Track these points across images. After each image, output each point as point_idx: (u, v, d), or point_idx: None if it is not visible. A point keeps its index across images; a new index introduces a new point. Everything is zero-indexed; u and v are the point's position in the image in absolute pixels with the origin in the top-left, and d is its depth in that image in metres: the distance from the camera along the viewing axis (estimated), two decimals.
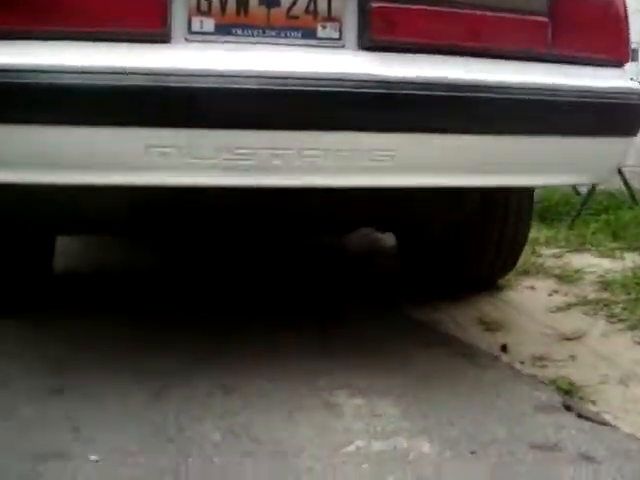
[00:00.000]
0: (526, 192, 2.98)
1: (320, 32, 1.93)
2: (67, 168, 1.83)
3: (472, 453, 1.81)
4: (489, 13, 1.98)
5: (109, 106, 1.78)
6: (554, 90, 1.99)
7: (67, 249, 3.54)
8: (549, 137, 2.01)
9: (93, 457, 1.74)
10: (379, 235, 4.12)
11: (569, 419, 2.01)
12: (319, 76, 1.85)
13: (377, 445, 1.84)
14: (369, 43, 1.92)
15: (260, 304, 3.04)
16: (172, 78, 1.78)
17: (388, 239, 4.07)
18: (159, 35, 1.83)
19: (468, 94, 1.92)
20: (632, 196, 5.01)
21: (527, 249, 3.45)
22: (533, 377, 2.30)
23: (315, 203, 2.28)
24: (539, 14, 2.02)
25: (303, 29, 1.92)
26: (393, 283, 3.44)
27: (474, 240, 2.99)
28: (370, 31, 1.91)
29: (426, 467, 1.74)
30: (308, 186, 1.93)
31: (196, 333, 2.61)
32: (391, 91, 1.87)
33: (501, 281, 3.29)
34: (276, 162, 1.85)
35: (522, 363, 2.42)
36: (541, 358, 2.45)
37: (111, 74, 1.76)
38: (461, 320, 2.86)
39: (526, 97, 1.96)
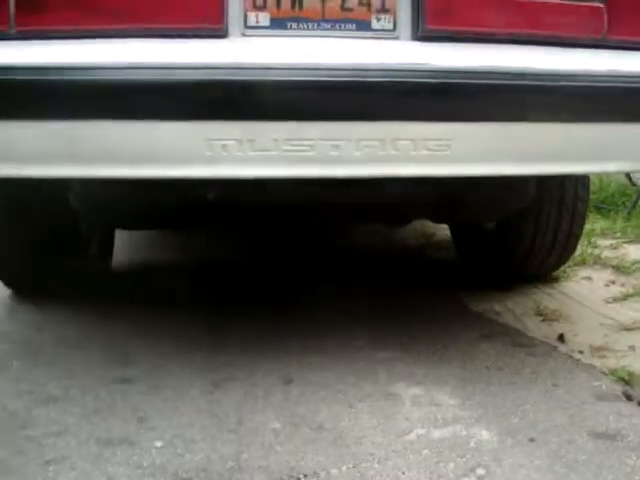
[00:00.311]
0: (582, 182, 2.96)
1: (374, 24, 1.94)
2: (129, 162, 1.87)
3: (531, 440, 1.81)
4: (544, 0, 1.97)
5: (170, 101, 1.81)
6: (611, 77, 1.97)
7: (127, 245, 3.62)
8: (607, 124, 2.00)
9: (158, 443, 1.78)
10: (430, 229, 4.13)
11: (630, 408, 2.01)
12: (375, 67, 1.86)
13: (437, 433, 1.85)
14: (423, 34, 1.93)
15: (317, 296, 3.05)
16: (230, 72, 1.81)
17: (439, 233, 4.08)
18: (217, 31, 1.86)
19: (523, 82, 1.91)
20: None
21: (583, 240, 3.43)
22: (592, 367, 2.29)
23: (371, 194, 2.29)
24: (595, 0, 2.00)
25: (357, 21, 1.93)
26: (448, 275, 3.44)
27: (530, 232, 2.97)
28: (424, 22, 1.91)
29: (486, 454, 1.75)
30: (366, 176, 1.95)
31: (257, 326, 2.63)
32: (446, 81, 1.88)
33: (557, 272, 3.26)
34: (334, 153, 1.87)
35: (581, 353, 2.40)
36: (600, 348, 2.44)
37: (171, 69, 1.80)
38: (518, 311, 2.85)
39: (583, 84, 1.95)
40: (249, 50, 1.88)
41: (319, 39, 1.93)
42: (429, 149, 1.92)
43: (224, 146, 1.84)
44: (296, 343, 2.46)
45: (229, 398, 2.05)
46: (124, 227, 3.04)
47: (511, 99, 1.93)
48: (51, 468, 1.67)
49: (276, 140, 1.85)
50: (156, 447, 1.77)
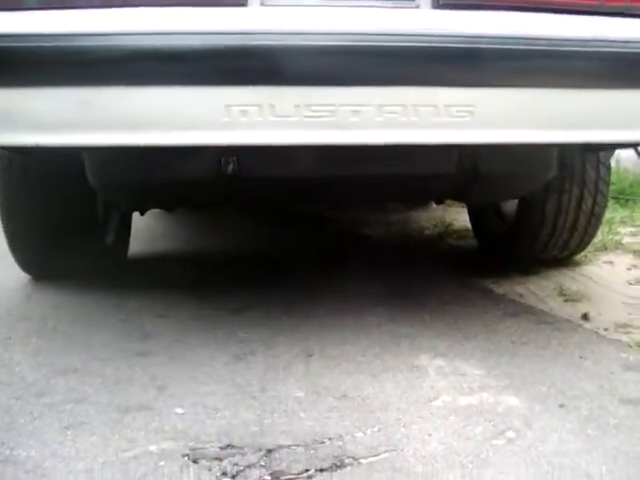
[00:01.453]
0: (603, 163, 2.92)
1: None
2: (148, 129, 1.85)
3: (561, 406, 1.78)
4: None
5: (189, 66, 1.79)
6: (632, 43, 1.94)
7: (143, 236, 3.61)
8: (629, 90, 1.97)
9: (179, 410, 1.75)
10: (448, 218, 4.10)
11: None
12: (395, 32, 1.84)
13: (463, 400, 1.82)
14: (443, 1, 1.90)
15: (336, 280, 3.02)
16: (250, 37, 1.79)
17: (457, 223, 4.05)
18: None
19: (544, 48, 1.88)
20: None
21: (604, 227, 3.40)
22: (618, 341, 2.25)
23: (392, 165, 2.26)
24: None
25: None
26: (468, 261, 3.41)
27: (552, 213, 2.94)
28: None
29: (515, 419, 1.71)
30: (387, 143, 1.92)
31: (275, 306, 2.61)
32: (467, 46, 1.85)
33: (579, 257, 3.23)
34: (355, 119, 1.85)
35: (606, 330, 2.36)
36: (625, 325, 2.40)
37: (191, 35, 1.78)
38: (541, 293, 2.81)
39: (603, 50, 1.92)
40: (270, 17, 1.85)
41: (339, 8, 1.90)
42: (451, 115, 1.89)
43: (244, 112, 1.82)
44: (316, 321, 2.44)
45: (251, 369, 2.02)
46: (139, 207, 3.01)
47: (532, 65, 1.90)
48: (70, 433, 1.64)
49: (297, 105, 1.83)
50: (176, 413, 1.74)
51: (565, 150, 2.65)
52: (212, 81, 1.80)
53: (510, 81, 1.90)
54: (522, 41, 1.88)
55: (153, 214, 3.58)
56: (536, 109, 1.94)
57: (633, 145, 3.02)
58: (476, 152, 2.27)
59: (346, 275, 3.07)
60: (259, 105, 1.82)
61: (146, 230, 3.77)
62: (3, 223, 2.79)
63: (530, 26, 1.91)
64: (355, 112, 1.85)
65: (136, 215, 3.25)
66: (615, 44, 1.93)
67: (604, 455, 1.54)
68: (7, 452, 1.55)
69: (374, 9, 1.92)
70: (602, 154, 2.89)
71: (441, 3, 1.91)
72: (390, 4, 1.94)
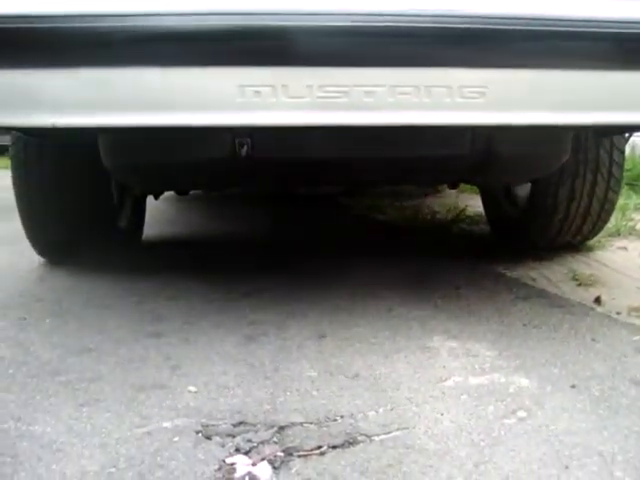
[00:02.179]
0: (617, 147, 2.91)
1: None
2: (162, 110, 1.85)
3: (573, 387, 1.78)
4: None
5: (203, 47, 1.79)
6: None
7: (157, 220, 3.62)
8: None
9: (192, 388, 1.77)
10: (461, 204, 4.10)
11: None
12: (408, 13, 1.83)
13: (475, 380, 1.82)
14: None
15: (348, 264, 3.03)
16: (264, 17, 1.78)
17: (470, 209, 4.05)
18: None
19: (555, 29, 1.87)
20: None
21: (617, 213, 3.39)
22: (631, 324, 2.25)
23: (405, 147, 2.26)
24: None
25: None
26: (481, 246, 3.41)
27: (565, 198, 2.94)
28: None
29: (527, 398, 1.71)
30: (400, 124, 1.92)
31: (287, 290, 2.63)
32: (480, 26, 1.84)
33: (592, 242, 3.23)
34: (368, 99, 1.85)
35: (618, 314, 2.36)
36: (638, 309, 2.39)
37: (205, 15, 1.78)
38: (554, 278, 2.81)
39: (616, 31, 1.91)
40: None
41: None
42: (463, 96, 1.89)
43: (257, 92, 1.82)
44: (327, 304, 2.45)
45: (263, 350, 2.03)
46: (152, 189, 3.02)
47: (543, 46, 1.89)
48: (85, 410, 1.66)
49: (310, 86, 1.83)
50: (190, 391, 1.75)
51: (579, 133, 2.65)
52: (226, 61, 1.80)
53: (521, 62, 1.89)
54: (533, 22, 1.87)
55: (166, 198, 3.59)
56: (548, 90, 1.93)
57: None
58: (490, 134, 2.26)
59: (358, 260, 3.08)
60: (272, 86, 1.82)
61: (159, 214, 3.78)
62: (19, 206, 2.81)
63: (542, 6, 1.90)
64: (368, 93, 1.84)
65: (150, 200, 3.27)
66: (628, 25, 1.92)
67: (615, 434, 1.54)
68: (23, 428, 1.57)
69: None
70: (616, 139, 2.88)
71: None
72: None
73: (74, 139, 2.37)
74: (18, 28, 1.75)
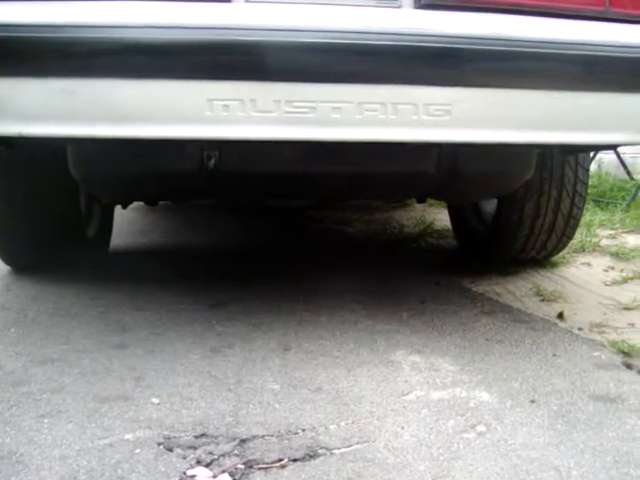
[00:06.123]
0: (582, 165, 2.96)
1: None
2: (131, 122, 1.86)
3: (532, 402, 1.81)
4: None
5: (172, 60, 1.81)
6: (611, 47, 1.97)
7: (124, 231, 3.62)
8: (606, 94, 2.00)
9: (155, 400, 1.77)
10: (428, 218, 4.13)
11: (631, 376, 2.00)
12: (377, 31, 1.86)
13: (436, 394, 1.84)
14: (425, 2, 1.92)
15: (314, 277, 3.05)
16: (233, 32, 1.80)
17: (437, 223, 4.08)
18: None
19: (522, 49, 1.91)
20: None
21: (582, 230, 3.44)
22: (592, 340, 2.29)
23: (371, 162, 2.28)
24: None
25: None
26: (447, 260, 3.44)
27: (530, 214, 2.97)
28: None
29: (486, 413, 1.74)
30: (366, 140, 1.94)
31: (253, 301, 2.63)
32: (446, 46, 1.87)
33: (556, 258, 3.27)
34: (335, 115, 1.87)
35: (580, 329, 2.40)
36: (600, 325, 2.43)
37: (174, 29, 1.80)
38: (518, 292, 2.85)
39: (583, 53, 1.94)
40: (253, 13, 1.87)
41: (322, 6, 1.92)
42: (429, 114, 1.91)
43: (226, 106, 1.84)
44: (293, 317, 2.46)
45: (227, 362, 2.04)
46: (121, 200, 3.02)
47: (510, 66, 1.93)
48: (46, 421, 1.66)
49: (278, 101, 1.85)
50: (153, 403, 1.76)
51: (544, 151, 2.69)
52: (195, 75, 1.82)
53: (487, 81, 1.92)
54: (498, 42, 1.91)
55: (135, 208, 3.59)
56: (513, 110, 1.96)
57: (612, 147, 3.05)
58: (455, 151, 2.29)
59: (326, 272, 3.10)
60: (241, 100, 1.84)
61: (128, 225, 3.78)
62: None
63: (508, 28, 1.93)
64: (335, 109, 1.87)
65: (119, 210, 3.27)
66: (591, 47, 1.96)
67: (572, 449, 1.57)
68: None
69: (357, 8, 1.94)
70: (581, 157, 2.93)
71: (423, 3, 1.93)
72: (373, 3, 1.96)
73: (42, 148, 2.37)
74: None
